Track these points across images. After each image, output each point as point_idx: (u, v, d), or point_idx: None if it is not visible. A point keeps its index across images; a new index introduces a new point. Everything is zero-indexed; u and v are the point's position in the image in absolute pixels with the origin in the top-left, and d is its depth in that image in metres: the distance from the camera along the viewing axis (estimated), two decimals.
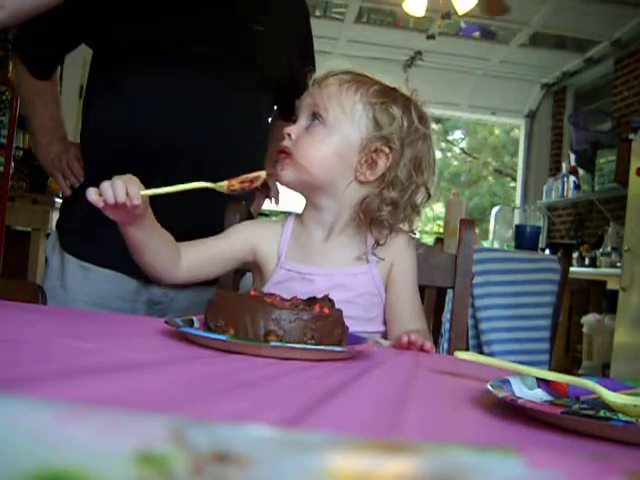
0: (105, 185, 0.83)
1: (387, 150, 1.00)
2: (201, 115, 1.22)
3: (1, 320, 0.71)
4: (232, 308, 0.68)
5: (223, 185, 0.90)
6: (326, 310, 0.71)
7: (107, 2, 1.24)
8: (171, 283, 1.02)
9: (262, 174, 0.91)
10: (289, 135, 1.00)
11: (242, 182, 0.90)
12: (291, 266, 1.01)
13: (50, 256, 1.31)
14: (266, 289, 1.00)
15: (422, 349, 0.88)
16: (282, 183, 1.04)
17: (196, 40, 1.23)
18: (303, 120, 1.01)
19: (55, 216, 3.12)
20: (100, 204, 0.83)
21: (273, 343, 0.64)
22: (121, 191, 0.82)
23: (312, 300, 0.73)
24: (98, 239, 1.26)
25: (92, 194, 0.83)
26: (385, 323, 1.04)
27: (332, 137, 1.00)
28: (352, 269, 1.02)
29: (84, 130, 1.31)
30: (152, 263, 0.96)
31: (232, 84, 1.25)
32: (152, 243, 0.94)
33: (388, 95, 1.01)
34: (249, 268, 1.13)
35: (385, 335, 1.03)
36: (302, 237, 1.03)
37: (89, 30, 1.27)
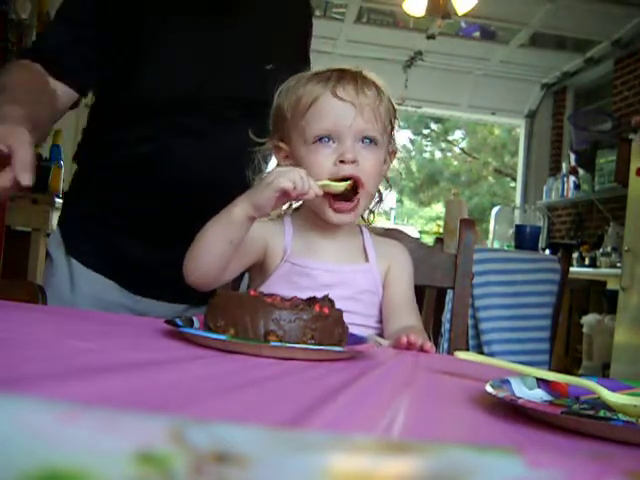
0: (298, 177, 0.86)
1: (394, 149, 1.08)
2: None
3: (1, 320, 0.71)
4: (232, 308, 0.68)
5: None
6: (326, 310, 0.71)
7: (122, 52, 1.19)
8: (205, 289, 0.99)
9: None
10: (354, 162, 0.96)
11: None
12: (296, 260, 1.01)
13: (52, 252, 1.32)
14: (271, 282, 1.01)
15: (422, 349, 0.89)
16: (343, 224, 1.02)
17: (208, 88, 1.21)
18: (350, 142, 0.97)
19: (55, 216, 3.12)
20: (293, 192, 0.86)
21: (273, 343, 0.64)
22: (308, 185, 0.87)
23: (312, 300, 0.73)
24: (94, 240, 1.25)
25: (287, 182, 0.85)
26: (381, 322, 1.05)
27: (381, 154, 1.02)
28: (354, 266, 1.04)
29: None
30: (219, 268, 0.94)
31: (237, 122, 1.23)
32: (238, 244, 0.93)
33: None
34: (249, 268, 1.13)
35: (380, 334, 1.03)
36: (305, 233, 1.04)
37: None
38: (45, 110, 1.08)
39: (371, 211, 1.10)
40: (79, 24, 1.20)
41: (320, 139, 0.97)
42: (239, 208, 0.89)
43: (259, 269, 1.05)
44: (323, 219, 1.01)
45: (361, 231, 1.09)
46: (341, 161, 0.96)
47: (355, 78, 0.99)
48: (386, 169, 1.07)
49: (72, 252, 1.27)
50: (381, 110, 0.99)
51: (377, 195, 1.07)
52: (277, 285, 0.99)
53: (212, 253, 0.92)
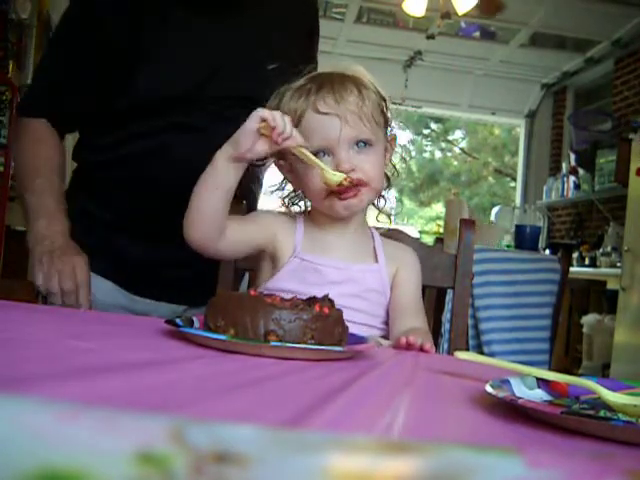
0: (278, 115, 0.89)
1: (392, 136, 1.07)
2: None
3: (1, 320, 0.71)
4: (232, 308, 0.68)
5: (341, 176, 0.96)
6: (326, 310, 0.71)
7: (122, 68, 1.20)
8: (210, 252, 0.99)
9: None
10: (352, 170, 0.97)
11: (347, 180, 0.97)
12: (305, 256, 1.02)
13: None
14: (280, 277, 1.01)
15: (422, 349, 0.89)
16: (352, 211, 1.01)
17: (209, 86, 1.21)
18: (344, 152, 0.97)
19: None
20: (271, 123, 0.88)
21: (273, 343, 0.64)
22: (290, 128, 0.89)
23: (312, 300, 0.73)
24: (93, 240, 1.25)
25: (266, 113, 0.88)
26: (386, 324, 1.05)
27: (378, 150, 1.02)
28: (363, 266, 1.04)
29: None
30: (213, 221, 0.94)
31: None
32: (228, 196, 0.94)
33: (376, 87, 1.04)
34: (251, 266, 1.13)
35: (385, 336, 1.04)
36: (316, 232, 1.05)
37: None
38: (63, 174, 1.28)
39: (381, 196, 1.09)
40: (79, 27, 1.20)
41: (315, 154, 0.97)
42: (219, 152, 0.92)
43: (269, 264, 1.06)
44: (333, 217, 1.02)
45: (372, 235, 1.09)
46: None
47: (333, 85, 0.98)
48: (389, 157, 1.07)
49: None
50: (365, 110, 0.98)
51: (385, 182, 1.08)
52: (286, 280, 1.00)
53: (203, 205, 0.94)
